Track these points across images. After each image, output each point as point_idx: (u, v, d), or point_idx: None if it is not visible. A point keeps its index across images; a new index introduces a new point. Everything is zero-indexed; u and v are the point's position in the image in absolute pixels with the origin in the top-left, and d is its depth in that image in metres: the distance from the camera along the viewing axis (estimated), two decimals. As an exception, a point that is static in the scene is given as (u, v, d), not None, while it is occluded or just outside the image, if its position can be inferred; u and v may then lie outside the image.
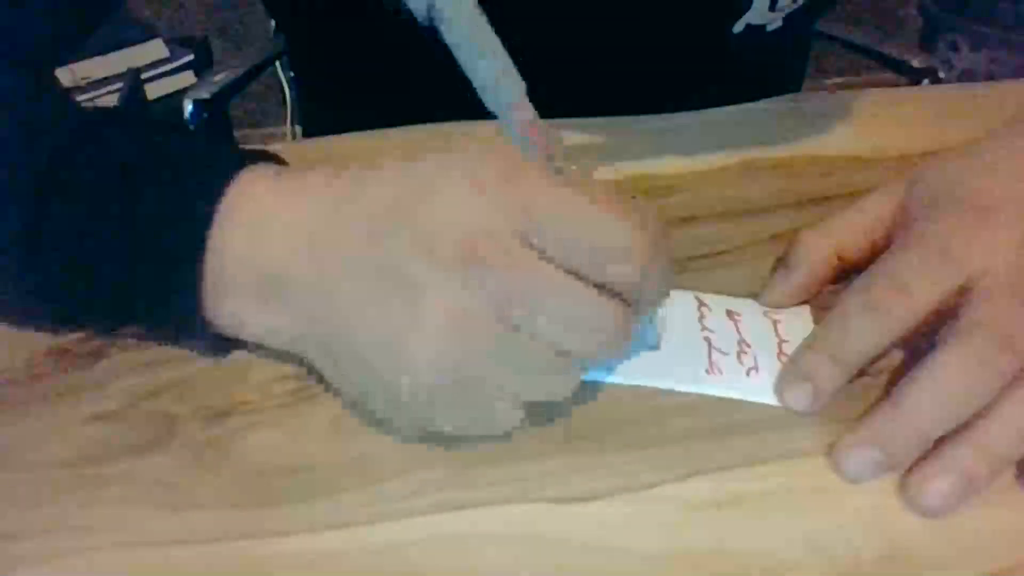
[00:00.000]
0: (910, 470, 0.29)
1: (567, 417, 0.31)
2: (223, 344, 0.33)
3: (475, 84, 0.32)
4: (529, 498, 0.29)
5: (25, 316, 0.34)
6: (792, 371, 0.32)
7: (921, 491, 0.28)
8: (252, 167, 0.31)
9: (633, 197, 0.30)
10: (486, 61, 0.32)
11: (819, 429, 0.31)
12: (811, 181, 0.44)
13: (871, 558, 0.27)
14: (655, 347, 0.34)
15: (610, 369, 0.33)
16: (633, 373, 0.33)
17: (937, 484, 0.28)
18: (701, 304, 0.36)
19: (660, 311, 0.33)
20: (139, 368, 0.33)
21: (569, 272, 0.27)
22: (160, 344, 0.34)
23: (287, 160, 0.34)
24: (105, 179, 0.30)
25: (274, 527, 0.28)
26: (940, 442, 0.29)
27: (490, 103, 0.32)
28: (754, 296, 0.36)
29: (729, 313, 0.35)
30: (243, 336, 0.32)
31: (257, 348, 0.33)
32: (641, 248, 0.28)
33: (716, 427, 0.31)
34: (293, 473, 0.30)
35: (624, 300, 0.28)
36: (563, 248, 0.27)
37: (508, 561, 0.27)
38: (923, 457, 0.29)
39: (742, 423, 0.31)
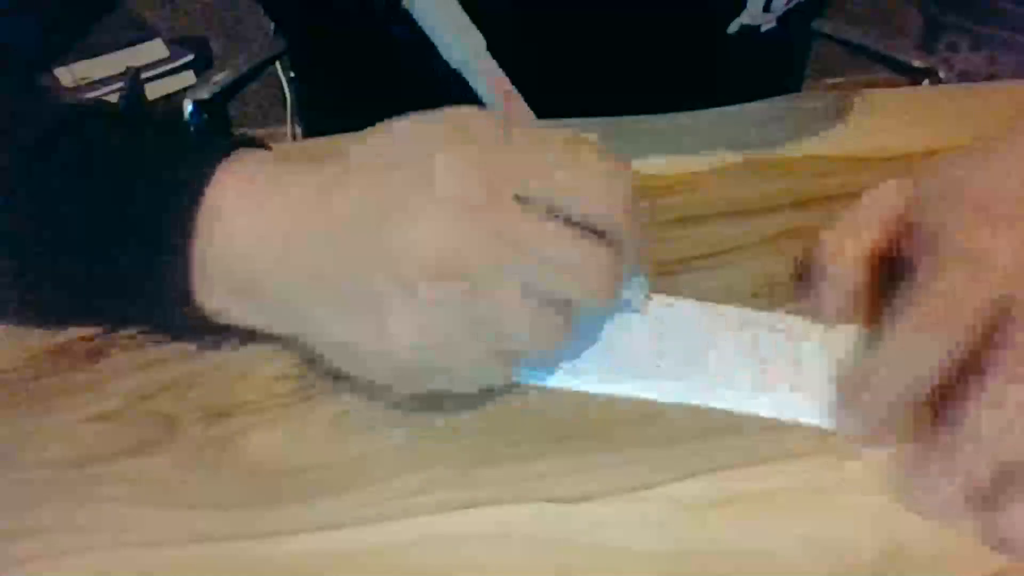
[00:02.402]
0: (916, 477, 0.28)
1: (567, 417, 0.32)
2: (217, 332, 0.32)
3: (438, 45, 0.33)
4: (528, 498, 0.29)
5: (16, 313, 0.34)
6: (846, 396, 0.31)
7: (928, 500, 0.27)
8: (233, 159, 0.31)
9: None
10: (446, 22, 0.33)
11: (818, 430, 0.31)
12: (811, 181, 0.44)
13: (871, 558, 0.27)
14: (639, 311, 0.35)
15: (671, 389, 0.32)
16: (685, 392, 0.32)
17: (942, 493, 0.27)
18: (754, 322, 0.35)
19: (645, 279, 0.35)
20: (139, 368, 0.33)
21: (553, 216, 0.28)
22: (159, 342, 0.34)
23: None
24: (86, 172, 0.30)
25: (274, 527, 0.28)
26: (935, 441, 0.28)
27: (454, 61, 0.33)
28: (754, 296, 0.36)
29: (785, 331, 0.35)
30: (235, 325, 0.32)
31: (257, 348, 0.33)
32: (621, 188, 0.29)
33: (716, 427, 0.31)
34: (293, 473, 0.30)
35: (610, 243, 0.29)
36: (547, 195, 0.28)
37: (507, 561, 0.27)
38: (927, 461, 0.28)
39: (742, 423, 0.31)
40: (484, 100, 0.35)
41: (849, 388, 0.31)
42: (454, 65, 0.34)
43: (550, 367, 0.33)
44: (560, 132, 0.30)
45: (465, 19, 0.33)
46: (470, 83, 0.35)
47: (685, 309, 0.36)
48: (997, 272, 0.30)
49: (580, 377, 0.33)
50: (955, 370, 0.29)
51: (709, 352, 0.34)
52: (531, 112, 0.35)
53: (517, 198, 0.28)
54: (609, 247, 0.29)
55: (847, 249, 0.34)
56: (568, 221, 0.28)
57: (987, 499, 0.27)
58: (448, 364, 0.28)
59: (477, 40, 0.34)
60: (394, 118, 0.30)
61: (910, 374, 0.30)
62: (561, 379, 0.33)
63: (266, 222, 0.29)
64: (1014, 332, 0.29)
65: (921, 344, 0.29)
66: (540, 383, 0.33)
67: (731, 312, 0.36)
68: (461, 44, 0.34)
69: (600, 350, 0.34)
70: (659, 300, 0.36)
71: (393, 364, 0.28)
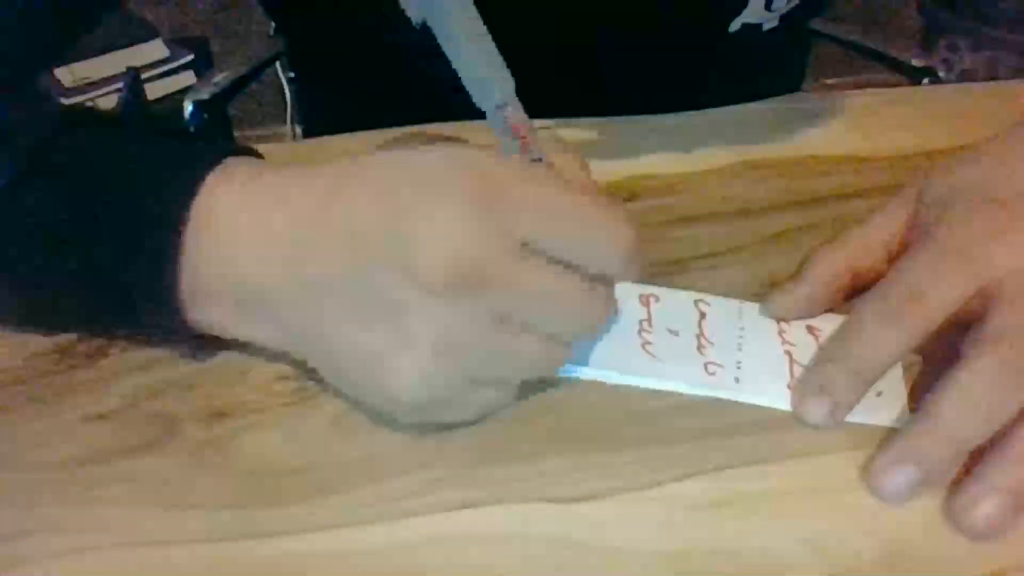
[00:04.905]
0: (955, 494, 0.28)
1: (567, 417, 0.32)
2: (212, 342, 0.32)
3: (465, 82, 0.32)
4: (528, 498, 0.29)
5: (13, 320, 0.34)
6: (809, 384, 0.31)
7: (968, 516, 0.27)
8: (224, 167, 0.30)
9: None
10: (477, 60, 0.32)
11: (818, 429, 0.31)
12: (811, 181, 0.44)
13: (871, 558, 0.27)
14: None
15: (688, 382, 0.33)
16: (704, 385, 0.33)
17: (983, 508, 0.27)
18: (781, 320, 0.36)
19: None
20: (139, 368, 0.33)
21: (554, 262, 0.28)
22: (159, 342, 0.34)
23: (286, 159, 0.33)
24: (75, 184, 0.30)
25: (274, 527, 0.28)
26: (976, 455, 0.28)
27: (479, 101, 0.32)
28: (754, 296, 0.36)
29: (809, 328, 0.35)
30: (231, 338, 0.32)
31: (257, 348, 0.33)
32: (626, 237, 0.29)
33: (716, 427, 0.31)
34: (293, 473, 0.30)
35: (604, 281, 0.29)
36: (550, 245, 0.28)
37: (508, 561, 0.27)
38: (964, 477, 0.28)
39: (742, 423, 0.31)
40: (500, 140, 0.35)
41: (808, 373, 0.32)
42: (477, 104, 0.33)
43: None
44: (570, 181, 0.30)
45: (498, 58, 0.32)
46: (487, 120, 0.34)
47: (668, 298, 0.36)
48: (966, 258, 0.30)
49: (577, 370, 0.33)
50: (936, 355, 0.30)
51: (695, 339, 0.34)
52: (548, 151, 0.35)
53: (523, 245, 0.27)
54: (605, 286, 0.30)
55: (821, 257, 0.36)
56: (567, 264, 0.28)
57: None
58: (467, 372, 0.28)
59: (507, 83, 0.33)
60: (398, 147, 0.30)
61: (864, 359, 0.31)
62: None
63: (268, 232, 0.29)
64: (990, 321, 0.29)
65: (878, 330, 0.30)
66: None
67: (716, 301, 0.36)
68: (490, 86, 0.33)
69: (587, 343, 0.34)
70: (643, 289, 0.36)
71: (416, 371, 0.28)
